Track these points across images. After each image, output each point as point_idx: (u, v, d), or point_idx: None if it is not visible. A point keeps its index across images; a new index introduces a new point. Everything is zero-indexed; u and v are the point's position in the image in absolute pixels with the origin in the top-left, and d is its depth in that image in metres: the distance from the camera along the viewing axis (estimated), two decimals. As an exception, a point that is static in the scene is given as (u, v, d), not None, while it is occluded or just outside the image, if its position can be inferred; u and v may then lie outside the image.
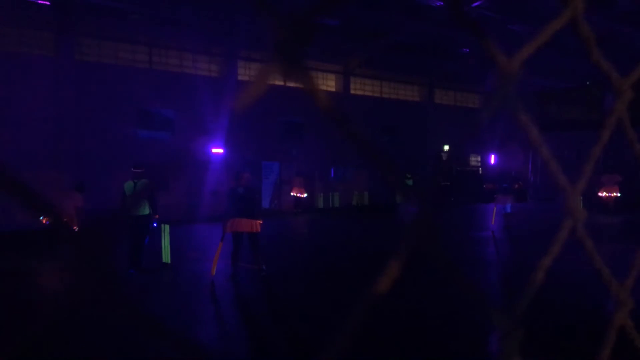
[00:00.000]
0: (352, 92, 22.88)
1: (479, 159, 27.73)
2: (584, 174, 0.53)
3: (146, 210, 8.10)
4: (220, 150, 17.61)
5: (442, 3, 16.75)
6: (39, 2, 14.55)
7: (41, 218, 8.97)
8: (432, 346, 4.81)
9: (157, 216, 8.32)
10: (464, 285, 0.45)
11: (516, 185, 24.95)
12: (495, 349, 0.45)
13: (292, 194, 19.84)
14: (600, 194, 16.96)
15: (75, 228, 9.10)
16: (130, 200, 8.08)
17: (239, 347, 4.92)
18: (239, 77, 19.15)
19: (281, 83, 20.70)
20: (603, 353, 0.57)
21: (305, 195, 19.73)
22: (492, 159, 26.88)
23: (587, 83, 23.02)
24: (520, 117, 0.47)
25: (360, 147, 0.39)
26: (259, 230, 7.54)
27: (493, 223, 13.60)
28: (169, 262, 8.63)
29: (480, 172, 27.40)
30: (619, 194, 16.80)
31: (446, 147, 25.60)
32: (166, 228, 8.76)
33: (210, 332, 5.37)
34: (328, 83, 22.45)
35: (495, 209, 14.01)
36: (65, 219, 8.83)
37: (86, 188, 10.15)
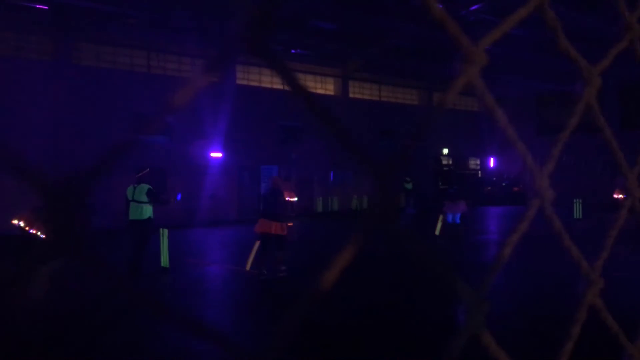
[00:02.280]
0: (351, 95, 22.94)
1: (478, 162, 27.78)
2: (553, 156, 0.55)
3: (144, 215, 7.94)
4: (219, 154, 17.64)
5: (440, 6, 16.79)
6: (37, 6, 14.59)
7: (14, 222, 8.77)
8: (431, 344, 4.82)
9: (171, 199, 8.28)
10: (430, 261, 0.47)
11: (515, 188, 25.02)
12: (461, 321, 0.47)
13: None
14: (615, 196, 17.55)
15: None
16: (129, 205, 8.04)
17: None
18: (238, 82, 19.19)
19: (279, 87, 20.76)
20: (573, 330, 0.59)
21: (295, 198, 19.67)
22: (491, 162, 26.94)
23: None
24: (485, 100, 0.49)
25: (331, 129, 0.41)
26: (284, 232, 7.71)
27: (437, 233, 11.75)
28: (168, 266, 8.62)
29: (479, 175, 27.46)
30: None
31: (445, 151, 25.65)
32: (164, 232, 8.75)
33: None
34: (327, 87, 22.51)
35: (440, 217, 11.88)
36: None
37: None
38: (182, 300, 6.79)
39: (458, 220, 11.42)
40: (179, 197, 8.27)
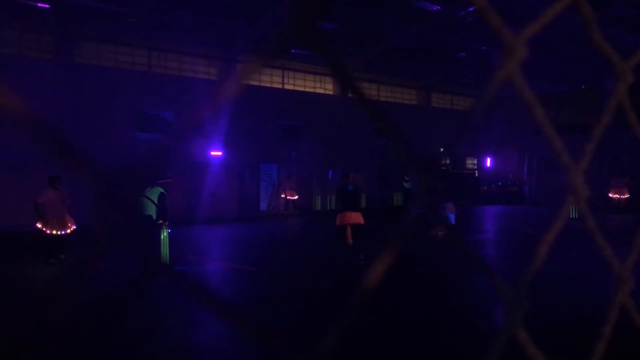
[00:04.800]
0: (350, 95, 22.91)
1: (475, 161, 27.82)
2: (587, 152, 0.55)
3: (147, 211, 8.29)
4: (219, 153, 17.64)
5: (438, 7, 16.81)
6: (39, 5, 14.55)
7: (38, 225, 8.82)
8: (435, 343, 4.82)
9: (166, 223, 8.58)
10: (472, 258, 0.46)
11: (515, 188, 25.13)
12: (500, 319, 0.46)
13: (282, 196, 19.87)
14: (610, 195, 17.89)
15: (67, 231, 8.90)
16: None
17: (239, 346, 4.91)
18: (237, 80, 19.18)
19: (279, 86, 20.74)
20: (604, 331, 0.58)
21: (296, 197, 19.72)
22: (488, 162, 26.99)
23: (582, 87, 23.13)
24: (524, 95, 0.48)
25: (379, 123, 0.40)
26: (363, 222, 8.59)
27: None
28: (168, 263, 8.63)
29: (476, 174, 27.51)
30: (628, 195, 17.84)
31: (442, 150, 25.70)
32: (164, 229, 8.77)
33: (210, 332, 5.37)
34: (326, 86, 22.50)
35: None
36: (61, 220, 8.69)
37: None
38: (182, 296, 6.78)
39: (453, 221, 11.22)
40: (170, 231, 8.79)
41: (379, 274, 0.41)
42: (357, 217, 8.61)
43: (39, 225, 8.73)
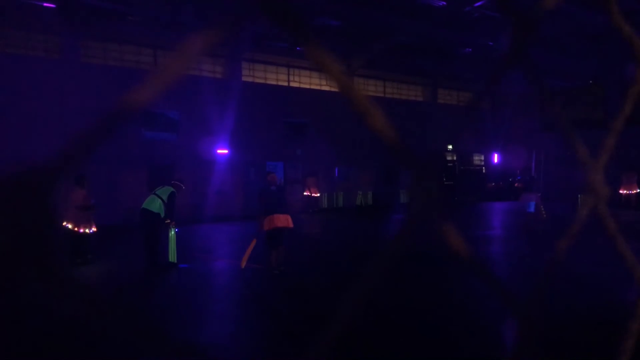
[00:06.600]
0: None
1: (482, 158, 27.64)
2: (607, 147, 0.49)
3: (155, 208, 8.33)
4: (225, 151, 17.64)
5: (444, 3, 16.66)
6: (44, 4, 14.58)
7: (64, 224, 8.87)
8: (435, 342, 4.76)
9: (172, 222, 8.58)
10: (480, 272, 0.40)
11: (516, 184, 25.03)
12: (513, 333, 0.40)
13: (305, 193, 19.96)
14: (621, 191, 17.87)
15: (94, 229, 9.05)
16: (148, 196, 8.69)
17: (245, 345, 4.88)
18: (244, 79, 19.16)
19: (285, 83, 20.69)
20: (627, 343, 0.52)
21: (318, 194, 19.92)
22: (495, 158, 26.80)
23: (590, 82, 22.86)
24: (531, 72, 0.43)
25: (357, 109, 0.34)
26: (292, 225, 7.88)
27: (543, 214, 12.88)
28: (175, 261, 8.64)
29: (483, 171, 27.32)
30: (638, 190, 17.95)
31: (449, 146, 25.57)
32: (172, 229, 8.78)
33: (216, 330, 5.34)
34: (332, 83, 22.45)
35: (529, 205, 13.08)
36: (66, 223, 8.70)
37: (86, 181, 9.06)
38: (189, 295, 6.77)
39: (533, 209, 12.78)
40: (177, 230, 8.80)
41: (380, 274, 0.36)
42: (286, 220, 7.75)
43: (69, 226, 8.79)
